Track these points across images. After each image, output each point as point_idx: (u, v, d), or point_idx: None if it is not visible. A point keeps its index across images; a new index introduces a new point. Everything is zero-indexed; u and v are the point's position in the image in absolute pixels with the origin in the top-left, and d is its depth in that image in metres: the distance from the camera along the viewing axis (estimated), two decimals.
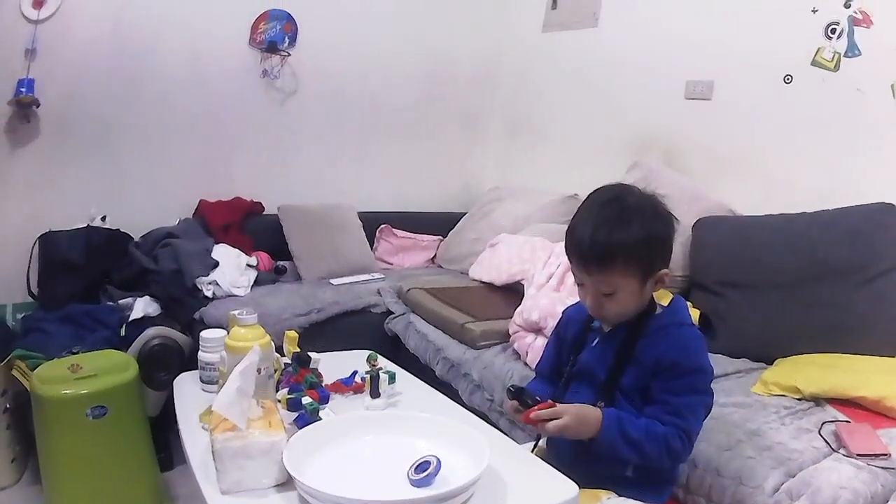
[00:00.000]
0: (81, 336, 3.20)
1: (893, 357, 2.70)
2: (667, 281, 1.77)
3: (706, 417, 1.76)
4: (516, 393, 1.79)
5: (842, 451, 2.06)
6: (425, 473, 1.35)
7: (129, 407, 2.75)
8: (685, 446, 1.66)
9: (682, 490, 2.08)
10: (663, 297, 1.86)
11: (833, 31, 3.23)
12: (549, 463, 1.62)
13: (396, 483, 1.37)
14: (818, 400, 2.42)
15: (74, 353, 2.91)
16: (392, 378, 1.89)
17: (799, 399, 2.44)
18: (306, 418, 1.61)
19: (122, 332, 3.32)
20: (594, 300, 1.79)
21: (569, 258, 1.82)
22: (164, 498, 2.93)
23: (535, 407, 1.69)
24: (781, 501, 1.88)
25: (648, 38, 4.19)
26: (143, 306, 3.45)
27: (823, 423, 2.22)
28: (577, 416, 1.66)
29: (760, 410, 2.34)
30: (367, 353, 1.98)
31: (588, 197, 1.83)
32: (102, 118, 3.89)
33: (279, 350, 1.97)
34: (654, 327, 1.77)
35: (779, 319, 2.94)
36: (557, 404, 1.69)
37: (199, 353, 1.96)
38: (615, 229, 1.69)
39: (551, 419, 1.64)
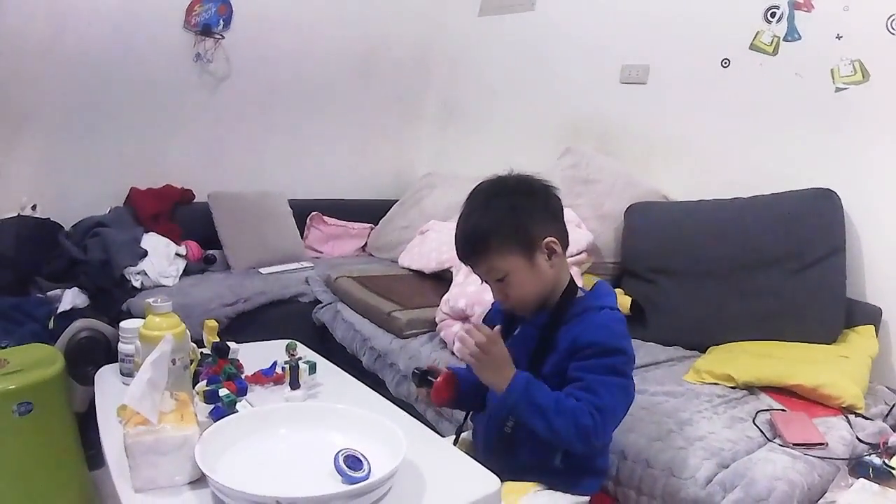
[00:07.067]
0: (9, 330, 3.11)
1: (829, 344, 2.71)
2: (557, 249, 1.72)
3: (629, 405, 1.69)
4: (421, 376, 1.80)
5: (777, 440, 2.06)
6: (359, 472, 1.30)
7: (56, 402, 2.66)
8: (596, 424, 1.56)
9: (613, 482, 2.06)
10: (589, 283, 1.83)
11: (773, 14, 3.23)
12: (473, 455, 1.59)
13: (311, 478, 1.33)
14: (752, 388, 2.43)
15: (2, 348, 2.83)
16: (312, 368, 1.85)
17: (732, 387, 2.44)
18: (222, 410, 1.57)
19: (51, 324, 3.24)
20: (494, 290, 1.79)
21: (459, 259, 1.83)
22: (92, 496, 2.84)
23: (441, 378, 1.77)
24: (714, 493, 1.86)
25: (585, 22, 4.18)
26: (71, 298, 3.37)
27: (758, 412, 2.23)
28: (502, 355, 1.66)
29: (693, 399, 2.33)
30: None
31: None
32: (32, 104, 3.77)
33: (199, 341, 1.91)
34: (574, 312, 1.73)
35: (712, 307, 2.95)
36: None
37: (119, 344, 1.91)
38: (480, 214, 1.71)
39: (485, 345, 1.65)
